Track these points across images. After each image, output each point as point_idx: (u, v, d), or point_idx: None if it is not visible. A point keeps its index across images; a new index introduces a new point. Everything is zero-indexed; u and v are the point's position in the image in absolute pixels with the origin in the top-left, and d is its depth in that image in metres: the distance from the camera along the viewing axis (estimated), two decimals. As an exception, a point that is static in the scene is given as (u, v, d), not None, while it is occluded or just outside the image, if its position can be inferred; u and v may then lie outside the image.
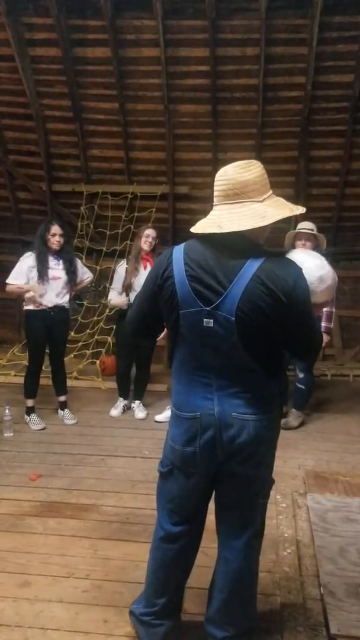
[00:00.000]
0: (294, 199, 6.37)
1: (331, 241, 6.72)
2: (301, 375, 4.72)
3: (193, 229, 1.94)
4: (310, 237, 4.53)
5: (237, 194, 1.85)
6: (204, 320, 1.87)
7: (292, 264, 1.89)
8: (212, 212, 1.92)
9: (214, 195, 1.91)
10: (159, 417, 4.78)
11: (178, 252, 1.94)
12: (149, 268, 4.30)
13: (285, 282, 1.80)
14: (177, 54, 5.43)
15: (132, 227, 6.29)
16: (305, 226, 4.60)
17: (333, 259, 6.75)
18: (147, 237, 4.71)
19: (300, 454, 4.12)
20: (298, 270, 1.87)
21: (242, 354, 1.87)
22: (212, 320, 1.86)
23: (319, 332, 2.02)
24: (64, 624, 2.37)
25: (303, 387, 4.73)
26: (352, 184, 6.33)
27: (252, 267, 1.81)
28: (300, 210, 1.91)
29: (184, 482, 2.07)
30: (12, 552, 2.87)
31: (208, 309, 1.85)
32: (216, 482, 2.06)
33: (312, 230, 4.55)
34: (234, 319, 1.82)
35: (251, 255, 1.84)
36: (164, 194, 6.38)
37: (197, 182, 6.34)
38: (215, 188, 1.91)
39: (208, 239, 1.92)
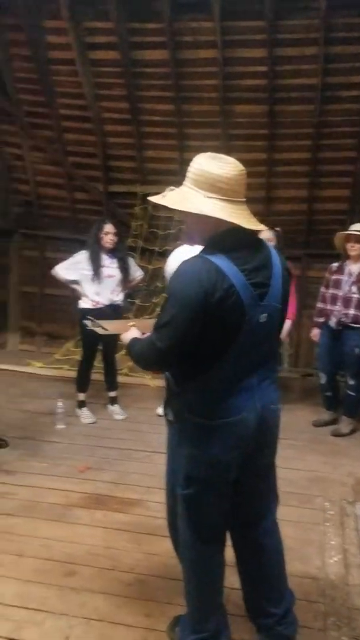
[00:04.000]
0: (351, 201, 6.29)
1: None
2: (352, 382, 4.62)
3: (225, 216, 1.83)
4: (360, 239, 4.46)
5: (241, 192, 1.90)
6: (261, 316, 1.87)
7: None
8: (236, 207, 1.85)
9: (232, 190, 1.85)
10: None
11: (221, 260, 1.81)
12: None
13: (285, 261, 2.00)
14: (234, 54, 5.43)
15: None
16: (357, 228, 4.53)
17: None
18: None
19: (351, 461, 4.02)
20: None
21: (277, 342, 2.04)
22: (266, 314, 1.89)
23: None
24: (108, 616, 2.43)
25: (354, 393, 4.62)
26: None
27: (275, 255, 1.96)
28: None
29: (219, 496, 2.00)
30: (59, 541, 2.96)
31: (262, 303, 1.87)
32: (239, 479, 2.01)
33: (363, 232, 4.47)
34: (280, 305, 1.94)
35: (267, 246, 1.99)
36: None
37: (250, 183, 6.29)
38: (237, 182, 1.86)
39: (236, 237, 1.87)
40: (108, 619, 2.41)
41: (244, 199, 1.91)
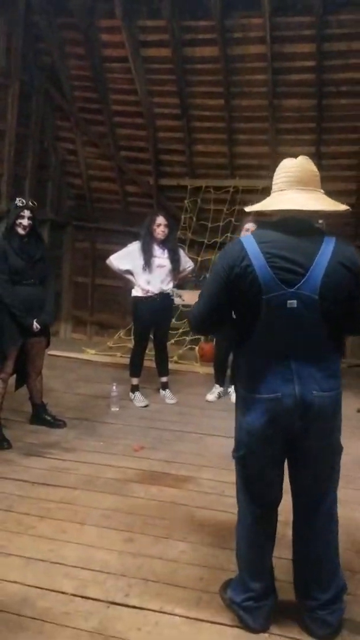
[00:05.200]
0: None
1: None
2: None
3: (262, 208, 2.11)
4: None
5: (309, 182, 2.06)
6: (288, 302, 1.99)
7: (350, 245, 2.10)
8: (281, 196, 2.07)
9: (282, 181, 2.09)
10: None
11: (249, 241, 2.05)
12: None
13: (354, 260, 2.02)
14: (283, 50, 5.53)
15: (232, 220, 6.47)
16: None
17: None
18: (247, 230, 4.90)
19: None
20: (355, 250, 2.09)
21: (320, 333, 2.03)
22: (295, 301, 1.98)
23: None
24: (164, 578, 2.61)
25: None
26: None
27: (328, 247, 2.00)
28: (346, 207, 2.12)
29: (262, 464, 2.17)
30: (117, 511, 3.18)
31: (292, 290, 1.98)
32: (293, 459, 2.18)
33: None
34: (317, 297, 1.97)
35: (322, 237, 2.04)
36: (265, 187, 6.47)
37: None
38: (284, 174, 2.09)
39: (277, 226, 2.08)
40: (164, 580, 2.60)
41: (313, 188, 2.07)
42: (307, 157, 2.11)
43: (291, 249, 2.01)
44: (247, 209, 2.19)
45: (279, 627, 2.30)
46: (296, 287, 1.98)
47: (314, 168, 2.10)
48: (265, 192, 7.10)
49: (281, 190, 2.08)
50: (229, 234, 6.34)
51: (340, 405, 2.18)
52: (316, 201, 2.05)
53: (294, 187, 2.06)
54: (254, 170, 6.58)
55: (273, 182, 2.13)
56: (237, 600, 2.32)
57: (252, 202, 7.01)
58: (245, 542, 2.31)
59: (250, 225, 4.93)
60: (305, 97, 5.86)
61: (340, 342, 2.15)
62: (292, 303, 1.99)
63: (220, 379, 5.28)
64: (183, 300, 2.48)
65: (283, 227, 2.06)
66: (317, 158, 6.02)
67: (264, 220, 2.17)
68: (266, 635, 2.27)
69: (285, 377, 2.05)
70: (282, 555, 2.49)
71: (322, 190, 2.11)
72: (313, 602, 2.27)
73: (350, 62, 5.48)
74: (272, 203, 2.10)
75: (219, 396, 5.24)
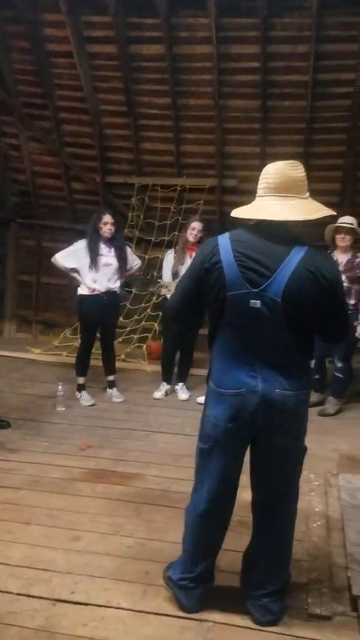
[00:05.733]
0: (341, 194, 6.49)
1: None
2: (339, 365, 4.87)
3: (237, 214, 2.17)
4: (349, 231, 4.68)
5: (287, 189, 2.10)
6: (251, 301, 2.06)
7: (328, 254, 2.15)
8: (260, 202, 2.14)
9: (261, 187, 2.15)
10: (200, 399, 5.00)
11: (223, 239, 2.16)
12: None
13: (327, 270, 2.06)
14: (229, 50, 5.60)
15: (180, 218, 6.51)
16: (346, 220, 4.75)
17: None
18: (193, 229, 4.97)
19: (336, 439, 4.29)
20: (333, 260, 2.12)
21: (285, 334, 2.08)
22: (259, 302, 2.05)
23: (348, 317, 2.29)
24: (110, 573, 2.63)
25: (341, 375, 4.88)
26: None
27: (298, 254, 2.04)
28: (331, 212, 2.17)
29: (225, 457, 2.24)
30: (63, 510, 3.16)
31: (255, 290, 2.05)
32: (258, 455, 2.25)
33: (351, 224, 4.69)
34: (280, 300, 2.03)
35: (295, 244, 2.07)
36: (212, 186, 6.57)
37: (245, 176, 6.47)
38: (264, 181, 2.14)
39: (253, 228, 2.15)
40: (110, 575, 2.61)
41: (292, 194, 2.10)
42: (292, 161, 2.14)
43: (261, 251, 2.08)
44: (233, 213, 2.21)
45: (220, 614, 2.37)
46: (260, 288, 2.05)
47: (296, 173, 2.11)
48: (212, 191, 7.16)
49: (260, 196, 2.15)
50: (176, 232, 6.37)
51: (307, 407, 2.26)
52: (289, 210, 2.08)
53: (271, 194, 2.11)
54: (201, 169, 6.63)
55: (258, 186, 2.18)
56: (175, 577, 2.41)
57: (199, 201, 7.04)
58: (194, 527, 2.36)
59: (196, 225, 5.01)
60: (251, 97, 5.94)
61: (309, 347, 2.20)
62: (256, 303, 2.05)
63: (167, 377, 5.30)
64: (170, 291, 2.57)
65: (258, 230, 2.14)
66: (262, 158, 6.15)
67: (244, 223, 2.20)
68: (210, 624, 2.31)
69: (249, 374, 2.13)
70: (227, 546, 2.53)
71: (305, 195, 2.13)
72: (260, 591, 2.34)
73: (294, 65, 5.59)
74: (249, 210, 2.16)
75: (166, 394, 5.26)
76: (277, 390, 2.10)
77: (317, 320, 2.12)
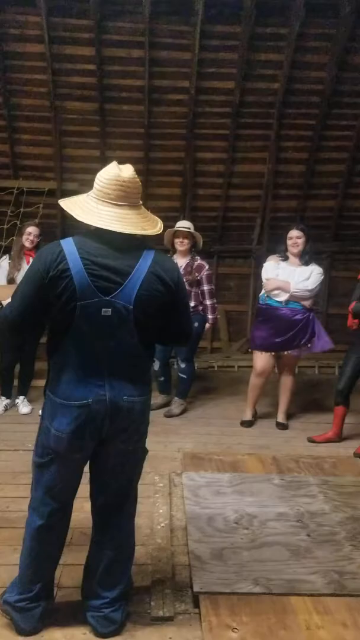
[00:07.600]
0: (182, 199, 6.66)
1: (217, 240, 7.06)
2: (183, 366, 4.95)
3: (70, 211, 2.06)
4: (187, 235, 4.80)
5: (120, 197, 2.03)
6: (103, 309, 2.00)
7: (170, 258, 2.17)
8: (95, 206, 2.03)
9: (97, 188, 2.05)
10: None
11: (69, 246, 2.02)
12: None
13: (173, 274, 2.09)
14: (63, 51, 5.48)
15: (18, 222, 6.22)
16: (183, 225, 4.87)
17: (219, 256, 7.14)
18: (29, 234, 4.80)
19: (181, 439, 4.35)
20: (175, 263, 2.18)
21: (133, 341, 2.06)
22: (110, 310, 2.00)
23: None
24: None
25: (185, 376, 4.96)
26: (235, 186, 6.67)
27: (147, 260, 2.05)
28: (160, 229, 2.16)
29: (66, 469, 2.16)
30: None
31: (107, 298, 1.99)
32: (100, 463, 2.19)
33: (189, 228, 4.82)
34: (132, 307, 2.00)
35: (142, 249, 2.07)
36: (52, 189, 6.38)
37: (86, 179, 6.37)
38: (99, 185, 2.04)
39: (97, 234, 2.05)
40: None
41: (130, 204, 2.05)
42: (130, 169, 2.08)
43: (110, 258, 2.01)
44: (61, 203, 2.11)
45: (61, 631, 2.28)
46: (112, 295, 2.00)
47: (130, 180, 2.05)
48: (51, 194, 6.91)
49: (97, 199, 2.04)
50: (14, 237, 6.07)
51: (149, 411, 2.24)
52: (122, 222, 2.01)
53: (105, 200, 2.03)
54: (39, 171, 6.41)
55: (94, 183, 2.08)
56: (11, 600, 2.28)
57: (39, 204, 6.78)
58: (30, 545, 2.25)
59: (32, 229, 4.83)
60: (88, 100, 5.86)
61: (152, 351, 2.21)
62: (107, 311, 2.00)
63: (6, 391, 5.02)
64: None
65: (103, 236, 2.03)
66: (103, 162, 6.10)
67: (88, 229, 2.10)
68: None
69: (96, 383, 2.06)
70: (68, 561, 2.42)
71: (138, 203, 2.10)
72: (99, 600, 2.28)
73: (130, 69, 5.61)
74: (85, 213, 2.04)
75: (6, 408, 4.98)
76: (124, 397, 2.08)
77: (164, 324, 2.14)
